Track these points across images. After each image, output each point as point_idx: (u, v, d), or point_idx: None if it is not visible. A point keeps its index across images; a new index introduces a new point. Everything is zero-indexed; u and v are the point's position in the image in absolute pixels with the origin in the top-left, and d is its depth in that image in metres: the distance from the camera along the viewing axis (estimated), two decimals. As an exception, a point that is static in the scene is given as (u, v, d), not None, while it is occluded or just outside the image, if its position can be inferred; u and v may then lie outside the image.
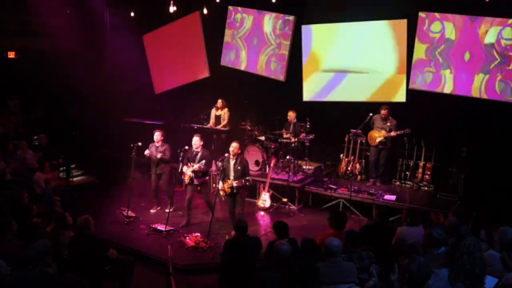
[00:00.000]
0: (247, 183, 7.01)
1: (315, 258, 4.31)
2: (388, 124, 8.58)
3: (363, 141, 8.82)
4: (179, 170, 7.61)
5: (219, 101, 9.91)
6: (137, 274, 5.48)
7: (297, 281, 3.42)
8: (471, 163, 8.14)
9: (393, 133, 8.52)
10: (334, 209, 8.40)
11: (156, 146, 8.14)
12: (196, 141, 7.51)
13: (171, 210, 8.03)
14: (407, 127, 8.89)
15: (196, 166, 7.31)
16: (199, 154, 7.43)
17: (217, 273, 5.26)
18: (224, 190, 7.13)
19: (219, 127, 9.90)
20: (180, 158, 7.55)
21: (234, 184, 7.00)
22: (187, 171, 7.44)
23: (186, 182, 7.57)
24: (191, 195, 7.61)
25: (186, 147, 7.67)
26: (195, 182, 7.50)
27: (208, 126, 10.02)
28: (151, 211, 8.34)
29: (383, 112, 8.59)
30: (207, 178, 7.86)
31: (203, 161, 7.29)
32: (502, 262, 4.08)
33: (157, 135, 8.18)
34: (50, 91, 11.60)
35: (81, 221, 5.00)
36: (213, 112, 10.07)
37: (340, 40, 9.88)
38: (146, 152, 8.18)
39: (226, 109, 9.93)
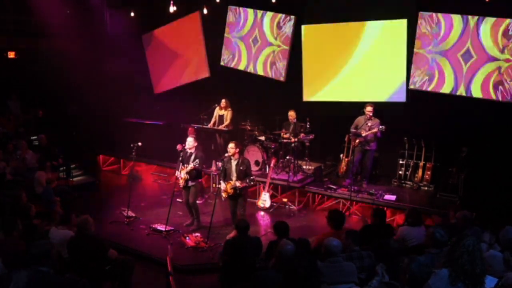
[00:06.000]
0: (251, 183, 6.96)
1: (315, 258, 4.30)
2: (369, 124, 8.37)
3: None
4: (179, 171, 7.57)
5: (223, 101, 9.84)
6: (137, 274, 5.48)
7: (299, 281, 3.41)
8: (471, 163, 8.14)
9: (363, 132, 8.33)
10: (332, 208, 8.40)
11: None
12: (191, 141, 7.41)
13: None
14: (407, 127, 8.89)
15: (191, 165, 7.24)
16: (193, 155, 7.34)
17: (217, 273, 5.26)
18: (226, 191, 7.05)
19: (221, 127, 9.89)
20: (180, 159, 7.52)
21: (238, 184, 6.92)
22: (181, 173, 7.35)
23: (181, 186, 7.47)
24: (187, 199, 7.55)
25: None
26: (189, 184, 7.39)
27: (209, 126, 10.01)
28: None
29: (368, 109, 8.31)
30: (200, 180, 7.65)
31: (197, 160, 7.23)
32: (504, 262, 4.07)
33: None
34: (50, 91, 11.60)
35: (80, 221, 5.01)
36: (217, 111, 10.01)
37: (340, 40, 9.88)
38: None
39: (229, 109, 9.89)
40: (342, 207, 8.42)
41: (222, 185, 7.12)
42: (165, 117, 11.68)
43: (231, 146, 7.08)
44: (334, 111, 9.86)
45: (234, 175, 7.02)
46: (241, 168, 6.99)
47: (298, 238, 4.88)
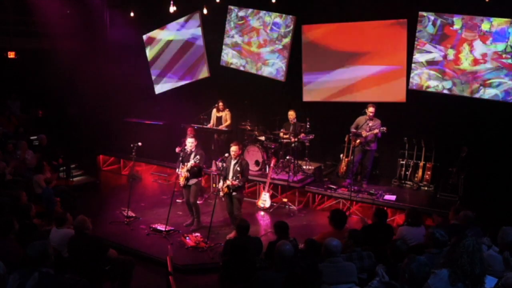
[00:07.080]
0: (240, 183, 6.99)
1: (319, 259, 4.30)
2: (370, 124, 8.34)
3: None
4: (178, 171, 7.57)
5: (220, 103, 9.89)
6: (137, 274, 5.48)
7: (299, 282, 3.40)
8: (471, 163, 8.14)
9: (364, 133, 8.29)
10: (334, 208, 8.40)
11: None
12: (191, 142, 7.46)
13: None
14: (407, 127, 8.88)
15: (191, 162, 7.24)
16: (193, 153, 7.36)
17: (217, 273, 5.26)
18: (223, 190, 7.13)
19: (221, 127, 9.90)
20: (180, 158, 7.53)
21: (228, 183, 7.01)
22: (182, 172, 7.37)
23: (182, 184, 7.49)
24: (187, 198, 7.57)
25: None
26: (190, 182, 7.41)
27: (209, 126, 10.02)
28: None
29: (370, 110, 8.27)
30: (201, 178, 7.71)
31: (198, 157, 7.24)
32: (504, 263, 4.06)
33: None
34: (50, 91, 11.60)
35: (78, 221, 5.00)
36: (214, 113, 10.05)
37: (340, 40, 9.88)
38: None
39: (227, 110, 9.92)
40: (342, 207, 8.42)
41: (220, 184, 7.21)
42: (165, 117, 11.68)
43: (233, 149, 7.10)
44: (334, 111, 9.87)
45: (230, 175, 7.09)
46: (237, 168, 7.04)
47: (307, 238, 4.88)
